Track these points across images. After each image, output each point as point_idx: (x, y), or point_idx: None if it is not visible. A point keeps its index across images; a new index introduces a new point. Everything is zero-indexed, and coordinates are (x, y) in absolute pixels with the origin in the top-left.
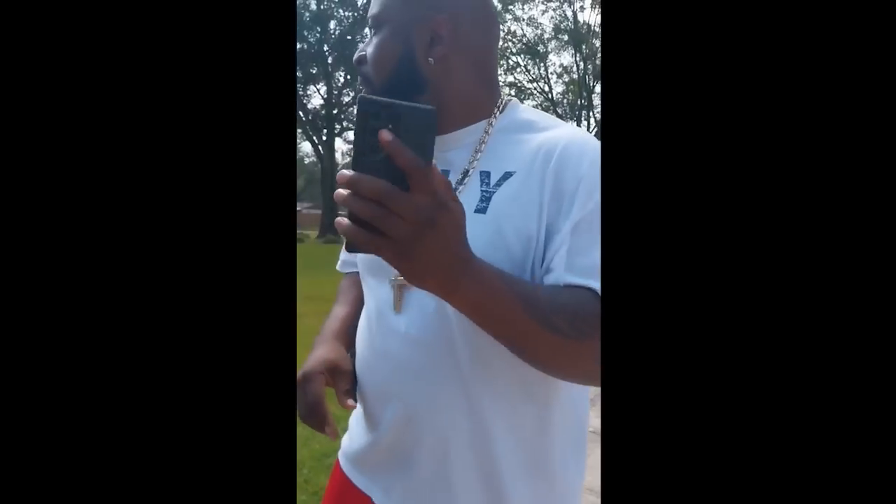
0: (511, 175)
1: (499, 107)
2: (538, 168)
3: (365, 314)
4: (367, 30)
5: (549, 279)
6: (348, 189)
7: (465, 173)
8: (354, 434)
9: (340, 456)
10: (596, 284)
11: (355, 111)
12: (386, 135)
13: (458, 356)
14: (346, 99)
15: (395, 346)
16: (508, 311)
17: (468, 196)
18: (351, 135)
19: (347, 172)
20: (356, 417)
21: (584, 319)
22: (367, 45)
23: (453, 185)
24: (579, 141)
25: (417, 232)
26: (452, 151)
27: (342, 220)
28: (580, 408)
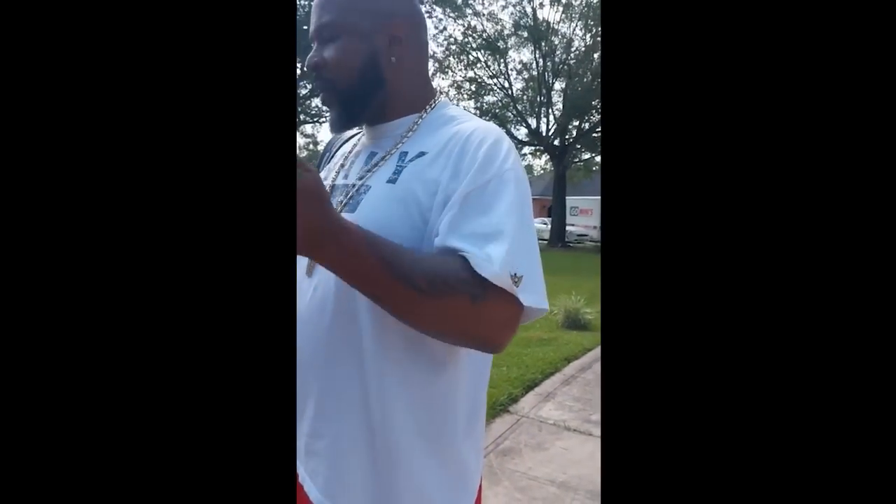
0: (424, 154)
1: (431, 104)
2: (447, 151)
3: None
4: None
5: (436, 242)
6: None
7: (388, 153)
8: None
9: None
10: (471, 249)
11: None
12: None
13: (357, 318)
14: (304, 91)
15: (304, 308)
16: (370, 269)
17: (385, 170)
18: (308, 128)
19: None
20: None
21: (444, 279)
22: (323, 51)
23: (376, 163)
24: (483, 128)
25: None
26: (386, 138)
27: None
28: (476, 378)
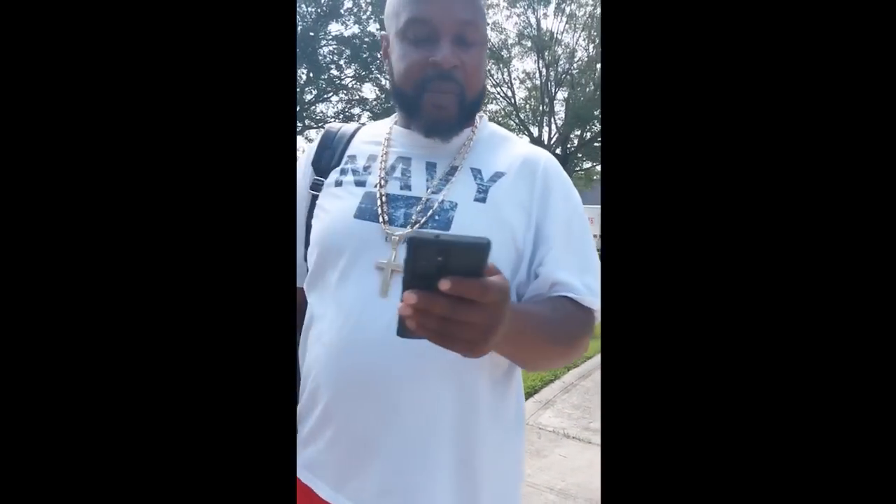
0: (502, 175)
1: (479, 119)
2: (525, 174)
3: (329, 309)
4: (426, 33)
5: (542, 272)
6: (418, 309)
7: (454, 168)
8: (309, 437)
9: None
10: (577, 285)
11: (408, 248)
12: (445, 284)
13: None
14: (309, 97)
15: (378, 332)
16: (535, 343)
17: (464, 186)
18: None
19: (414, 294)
20: (311, 421)
21: (574, 330)
22: (462, 54)
23: (444, 177)
24: (546, 155)
25: (488, 329)
26: (440, 149)
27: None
28: (521, 398)
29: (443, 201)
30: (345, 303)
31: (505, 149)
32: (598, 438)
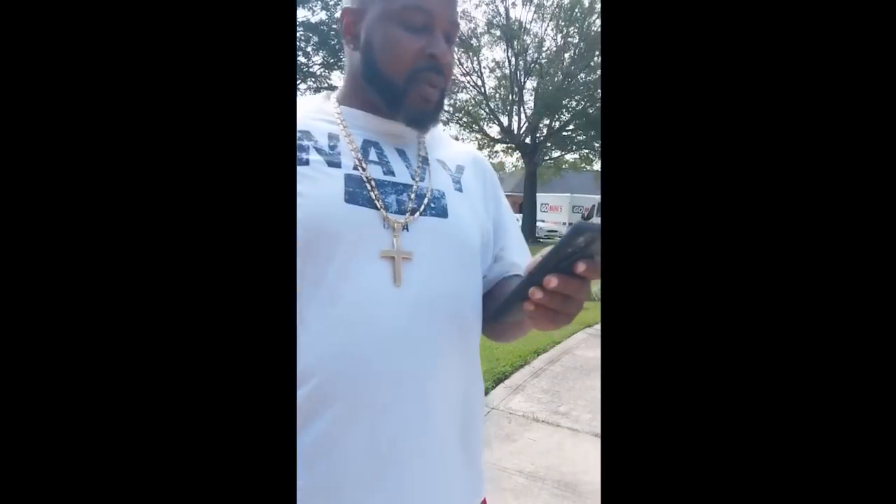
0: (464, 168)
1: None
2: (478, 170)
3: (331, 304)
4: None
5: (505, 255)
6: (556, 291)
7: (424, 158)
8: (318, 449)
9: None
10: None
11: (571, 235)
12: (591, 268)
13: (459, 322)
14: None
15: (401, 321)
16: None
17: (441, 176)
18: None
19: (554, 278)
20: (319, 428)
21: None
22: (450, 52)
23: (420, 165)
24: (480, 154)
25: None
26: (404, 138)
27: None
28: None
29: (433, 189)
30: (353, 296)
31: (452, 145)
32: (566, 422)
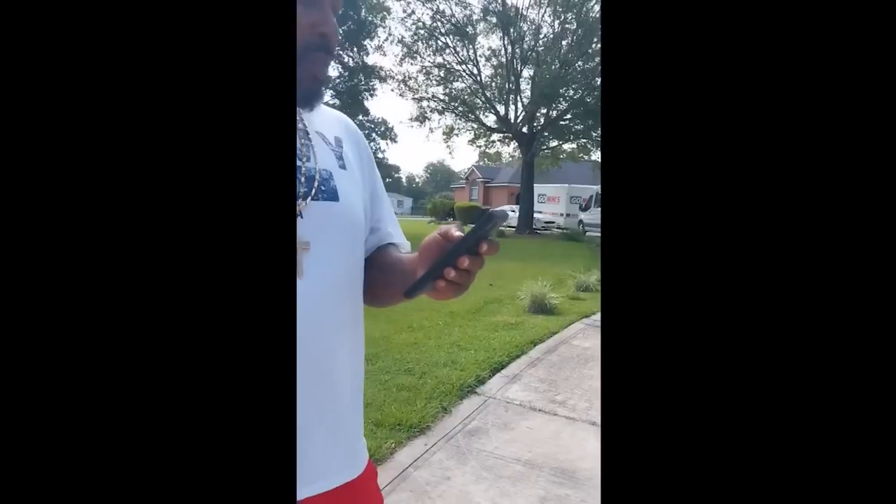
0: (342, 140)
1: None
2: (352, 140)
3: None
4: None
5: (384, 227)
6: (468, 269)
7: (305, 132)
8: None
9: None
10: (398, 236)
11: (484, 221)
12: (493, 247)
13: (354, 306)
14: None
15: (307, 315)
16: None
17: (324, 153)
18: None
19: (467, 258)
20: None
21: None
22: (335, 24)
23: (303, 143)
24: (349, 120)
25: None
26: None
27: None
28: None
29: (321, 170)
30: None
31: (323, 112)
32: (563, 410)
